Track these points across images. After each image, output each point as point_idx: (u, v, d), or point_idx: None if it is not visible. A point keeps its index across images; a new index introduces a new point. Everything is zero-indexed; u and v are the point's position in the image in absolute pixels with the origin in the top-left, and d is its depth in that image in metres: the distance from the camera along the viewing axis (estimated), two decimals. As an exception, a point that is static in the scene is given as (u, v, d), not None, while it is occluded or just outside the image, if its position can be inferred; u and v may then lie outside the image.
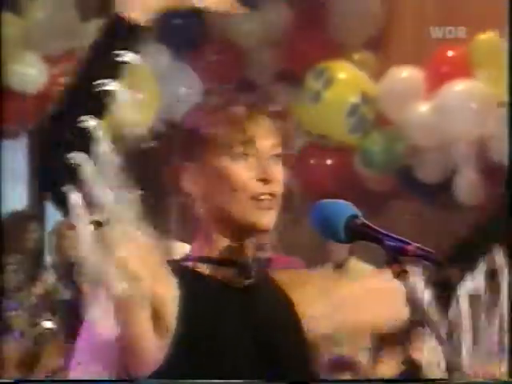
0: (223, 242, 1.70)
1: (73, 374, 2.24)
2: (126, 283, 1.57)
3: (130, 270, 1.58)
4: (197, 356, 1.66)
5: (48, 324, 5.21)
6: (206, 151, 1.68)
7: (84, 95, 1.56)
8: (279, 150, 1.71)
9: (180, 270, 1.68)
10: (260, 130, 1.70)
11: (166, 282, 1.65)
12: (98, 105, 1.56)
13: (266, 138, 1.70)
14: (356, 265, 5.35)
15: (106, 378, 1.91)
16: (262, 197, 1.67)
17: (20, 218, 6.65)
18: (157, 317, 1.64)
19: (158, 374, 1.65)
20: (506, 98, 5.84)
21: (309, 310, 1.75)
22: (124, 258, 1.57)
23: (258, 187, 1.67)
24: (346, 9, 6.50)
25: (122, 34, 1.67)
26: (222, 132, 1.67)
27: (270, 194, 1.67)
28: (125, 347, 1.67)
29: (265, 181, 1.67)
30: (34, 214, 6.69)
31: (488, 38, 6.07)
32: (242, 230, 1.68)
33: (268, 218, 1.69)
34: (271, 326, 1.72)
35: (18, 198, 7.12)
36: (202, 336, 1.65)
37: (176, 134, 1.78)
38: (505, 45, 5.83)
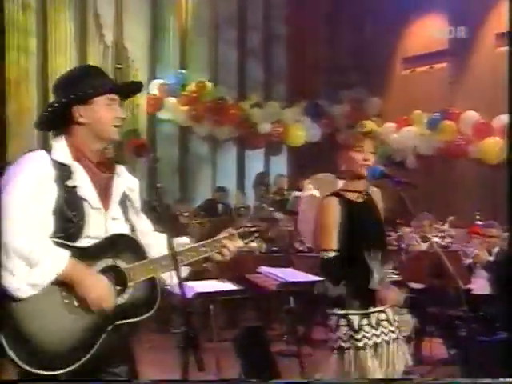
0: (351, 184, 3.45)
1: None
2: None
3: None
4: (350, 231, 3.39)
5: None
6: (347, 151, 3.49)
7: None
8: (373, 149, 3.47)
9: (338, 196, 3.42)
10: (366, 141, 3.48)
11: (334, 201, 3.43)
12: None
13: (367, 144, 3.45)
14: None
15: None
16: (364, 163, 3.47)
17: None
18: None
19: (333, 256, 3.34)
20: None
21: None
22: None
23: (364, 160, 3.46)
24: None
25: None
26: (353, 144, 3.49)
27: (367, 162, 3.47)
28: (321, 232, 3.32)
29: (366, 160, 3.46)
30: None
31: (418, 113, 11.19)
32: (358, 178, 3.50)
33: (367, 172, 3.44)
34: (378, 215, 3.55)
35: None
36: (352, 224, 3.42)
37: (335, 146, 3.62)
38: (425, 116, 11.16)
